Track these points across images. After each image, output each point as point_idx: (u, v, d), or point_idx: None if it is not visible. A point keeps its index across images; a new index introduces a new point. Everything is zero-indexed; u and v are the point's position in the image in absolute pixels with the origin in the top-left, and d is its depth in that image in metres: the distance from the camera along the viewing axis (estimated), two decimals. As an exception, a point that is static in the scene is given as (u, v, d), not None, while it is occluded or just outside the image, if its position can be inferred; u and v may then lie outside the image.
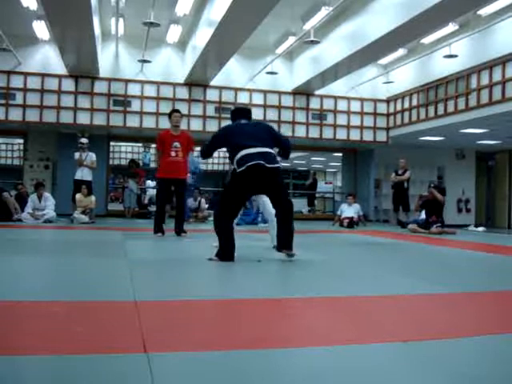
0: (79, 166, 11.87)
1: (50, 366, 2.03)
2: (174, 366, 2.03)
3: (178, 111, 8.86)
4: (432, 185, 12.63)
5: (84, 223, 11.05)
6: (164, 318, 2.87)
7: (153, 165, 25.83)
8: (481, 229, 13.59)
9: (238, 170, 5.17)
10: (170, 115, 8.74)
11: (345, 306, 3.39)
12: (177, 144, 8.39)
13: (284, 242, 5.36)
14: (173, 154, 8.36)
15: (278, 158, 5.59)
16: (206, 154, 5.82)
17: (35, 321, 2.72)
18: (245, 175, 5.15)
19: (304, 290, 3.91)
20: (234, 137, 5.41)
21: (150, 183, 20.06)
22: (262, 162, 5.14)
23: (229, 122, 6.00)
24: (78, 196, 11.66)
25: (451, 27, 11.77)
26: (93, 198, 11.79)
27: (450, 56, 11.65)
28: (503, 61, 11.07)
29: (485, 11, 11.07)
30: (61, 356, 2.13)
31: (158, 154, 9.06)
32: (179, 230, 8.45)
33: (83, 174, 11.85)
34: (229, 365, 2.08)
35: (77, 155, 11.92)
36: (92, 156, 12.00)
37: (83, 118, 13.56)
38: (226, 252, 5.18)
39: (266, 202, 6.26)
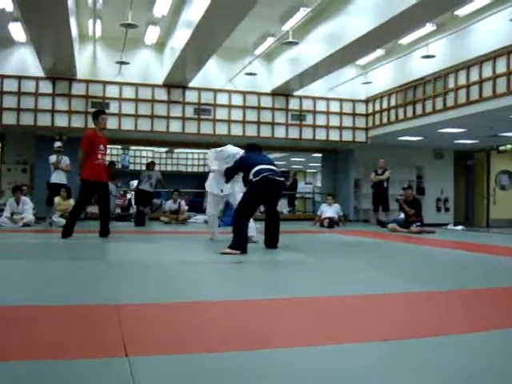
0: (55, 169, 11.78)
1: (30, 371, 1.98)
2: (155, 370, 2.01)
3: (104, 112, 8.55)
4: (406, 185, 12.71)
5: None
6: (144, 322, 2.84)
7: (132, 167, 25.62)
8: (459, 228, 13.70)
9: (254, 180, 6.54)
10: (96, 116, 8.40)
11: (323, 305, 3.39)
12: (101, 147, 8.22)
13: (274, 243, 6.88)
14: (99, 156, 8.15)
15: None
16: (230, 176, 7.27)
17: (13, 326, 2.67)
18: (260, 183, 6.53)
19: (284, 291, 3.90)
20: (250, 159, 6.98)
21: (134, 183, 19.74)
22: (272, 174, 6.63)
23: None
24: (57, 199, 11.54)
25: (429, 28, 11.87)
26: (72, 201, 11.66)
27: (428, 56, 11.75)
28: (480, 61, 11.18)
29: (462, 12, 11.15)
30: (40, 361, 2.09)
31: (81, 154, 8.32)
32: (105, 232, 8.20)
33: (61, 178, 11.76)
34: (209, 367, 2.07)
35: (53, 158, 11.82)
36: (66, 160, 11.92)
37: (61, 121, 13.43)
38: (243, 245, 6.23)
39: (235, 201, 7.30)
